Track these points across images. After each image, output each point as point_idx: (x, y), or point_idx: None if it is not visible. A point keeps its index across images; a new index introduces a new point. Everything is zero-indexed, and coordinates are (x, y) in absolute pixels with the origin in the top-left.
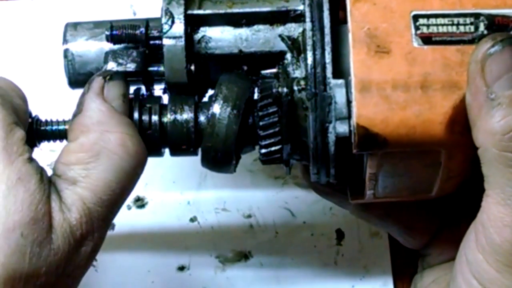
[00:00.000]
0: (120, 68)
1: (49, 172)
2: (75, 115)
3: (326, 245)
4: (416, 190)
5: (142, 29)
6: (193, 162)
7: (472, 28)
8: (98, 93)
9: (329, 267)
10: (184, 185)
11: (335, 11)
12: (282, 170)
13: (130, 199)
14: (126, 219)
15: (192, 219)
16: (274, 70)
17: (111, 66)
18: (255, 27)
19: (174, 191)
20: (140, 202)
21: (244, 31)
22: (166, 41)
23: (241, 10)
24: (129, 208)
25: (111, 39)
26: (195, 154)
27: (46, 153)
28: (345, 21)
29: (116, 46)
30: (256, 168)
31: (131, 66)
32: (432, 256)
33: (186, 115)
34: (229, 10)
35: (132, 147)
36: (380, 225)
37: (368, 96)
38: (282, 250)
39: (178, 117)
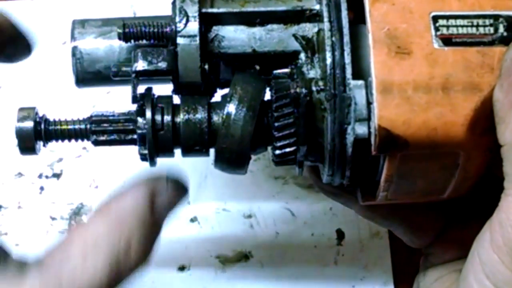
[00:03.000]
0: (151, 67)
1: (48, 172)
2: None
3: (327, 245)
4: (429, 192)
5: (172, 27)
6: (193, 162)
7: (492, 29)
8: (152, 193)
9: (330, 267)
10: None
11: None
12: (283, 170)
13: None
14: None
15: (193, 219)
16: (286, 70)
17: (142, 65)
18: (269, 26)
19: None
20: None
21: (257, 31)
22: (180, 40)
23: (255, 9)
24: None
25: (125, 37)
26: (207, 154)
27: (46, 153)
28: (357, 22)
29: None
30: (257, 168)
31: (162, 65)
32: (435, 255)
33: (199, 115)
34: (243, 9)
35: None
36: (385, 224)
37: (390, 97)
38: (282, 250)
39: (191, 117)
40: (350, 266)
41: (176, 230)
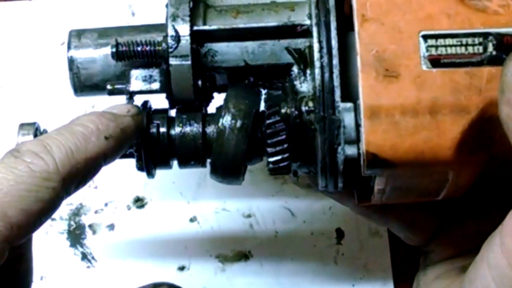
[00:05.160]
0: (145, 88)
1: None
2: None
3: (326, 245)
4: (424, 197)
5: (164, 46)
6: None
7: (481, 48)
8: None
9: (329, 267)
10: (184, 185)
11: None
12: None
13: (130, 199)
14: (125, 219)
15: (192, 219)
16: (279, 85)
17: (135, 86)
18: (261, 40)
19: (174, 191)
20: (139, 202)
21: (250, 44)
22: (172, 61)
23: (247, 26)
24: (128, 208)
25: (118, 56)
26: (204, 166)
27: None
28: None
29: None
30: (256, 168)
31: (155, 86)
32: (434, 253)
33: (194, 129)
34: (234, 26)
35: None
36: (381, 222)
37: (377, 122)
38: (282, 250)
39: (186, 130)
40: (349, 265)
41: (175, 229)
